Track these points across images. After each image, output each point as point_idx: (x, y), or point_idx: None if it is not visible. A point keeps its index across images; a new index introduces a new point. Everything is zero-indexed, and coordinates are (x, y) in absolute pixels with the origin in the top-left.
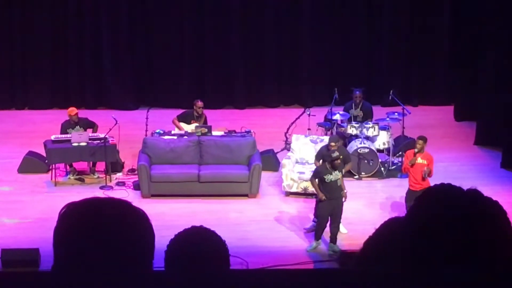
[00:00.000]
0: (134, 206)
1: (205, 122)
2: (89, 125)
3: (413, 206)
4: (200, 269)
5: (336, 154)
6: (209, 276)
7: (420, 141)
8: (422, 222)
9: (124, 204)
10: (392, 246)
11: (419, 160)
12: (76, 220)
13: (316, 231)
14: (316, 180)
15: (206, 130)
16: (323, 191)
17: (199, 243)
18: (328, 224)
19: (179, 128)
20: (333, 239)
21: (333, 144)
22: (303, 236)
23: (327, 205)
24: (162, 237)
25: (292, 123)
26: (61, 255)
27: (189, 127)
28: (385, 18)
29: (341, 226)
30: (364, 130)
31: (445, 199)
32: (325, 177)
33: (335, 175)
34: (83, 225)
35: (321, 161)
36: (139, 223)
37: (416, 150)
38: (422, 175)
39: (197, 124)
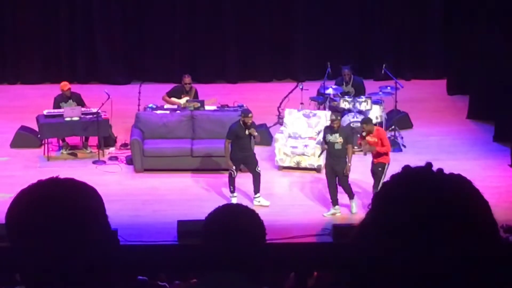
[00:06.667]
0: (77, 181)
1: (196, 96)
2: (80, 102)
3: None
4: (237, 242)
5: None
6: (245, 249)
7: (363, 125)
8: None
9: (67, 181)
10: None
11: (370, 139)
12: (21, 208)
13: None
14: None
15: (198, 104)
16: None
17: (237, 218)
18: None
19: (171, 104)
20: (349, 195)
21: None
22: (295, 210)
23: (327, 165)
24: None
25: (285, 98)
26: (15, 240)
27: (181, 101)
28: None
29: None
30: (357, 104)
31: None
32: (327, 136)
33: (334, 138)
34: (29, 211)
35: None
36: (85, 195)
37: (363, 134)
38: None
39: (188, 98)
